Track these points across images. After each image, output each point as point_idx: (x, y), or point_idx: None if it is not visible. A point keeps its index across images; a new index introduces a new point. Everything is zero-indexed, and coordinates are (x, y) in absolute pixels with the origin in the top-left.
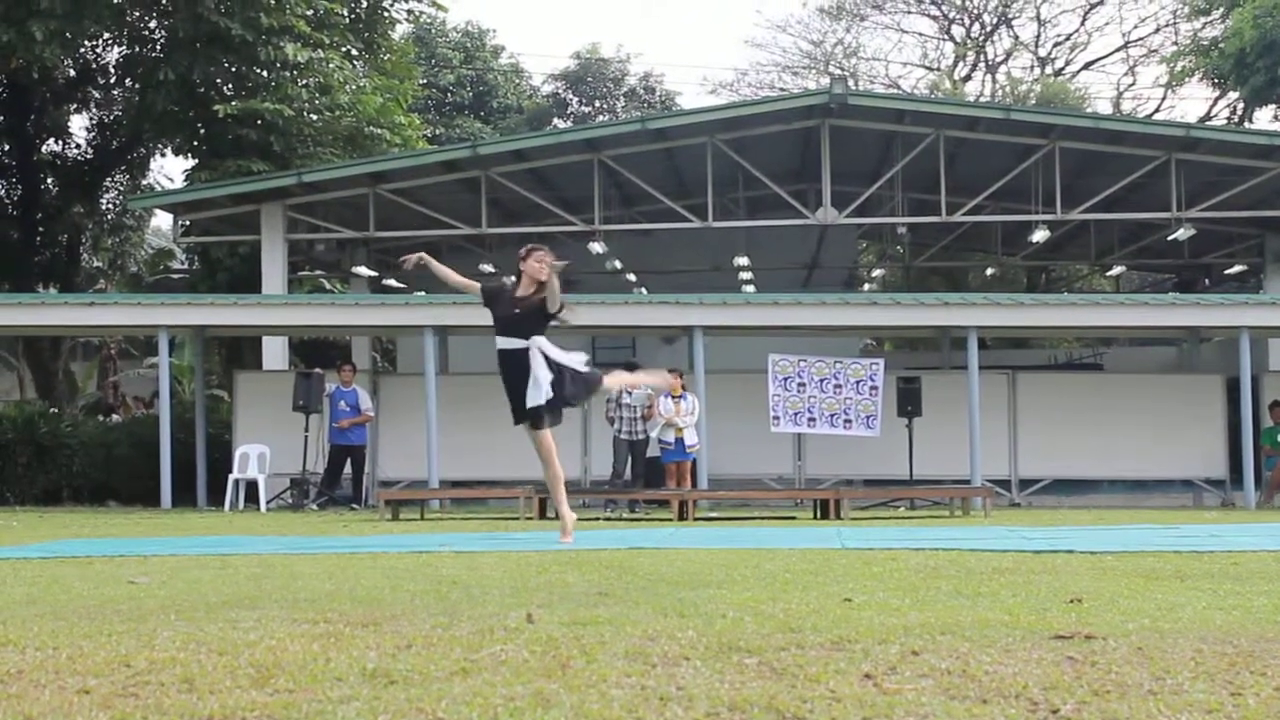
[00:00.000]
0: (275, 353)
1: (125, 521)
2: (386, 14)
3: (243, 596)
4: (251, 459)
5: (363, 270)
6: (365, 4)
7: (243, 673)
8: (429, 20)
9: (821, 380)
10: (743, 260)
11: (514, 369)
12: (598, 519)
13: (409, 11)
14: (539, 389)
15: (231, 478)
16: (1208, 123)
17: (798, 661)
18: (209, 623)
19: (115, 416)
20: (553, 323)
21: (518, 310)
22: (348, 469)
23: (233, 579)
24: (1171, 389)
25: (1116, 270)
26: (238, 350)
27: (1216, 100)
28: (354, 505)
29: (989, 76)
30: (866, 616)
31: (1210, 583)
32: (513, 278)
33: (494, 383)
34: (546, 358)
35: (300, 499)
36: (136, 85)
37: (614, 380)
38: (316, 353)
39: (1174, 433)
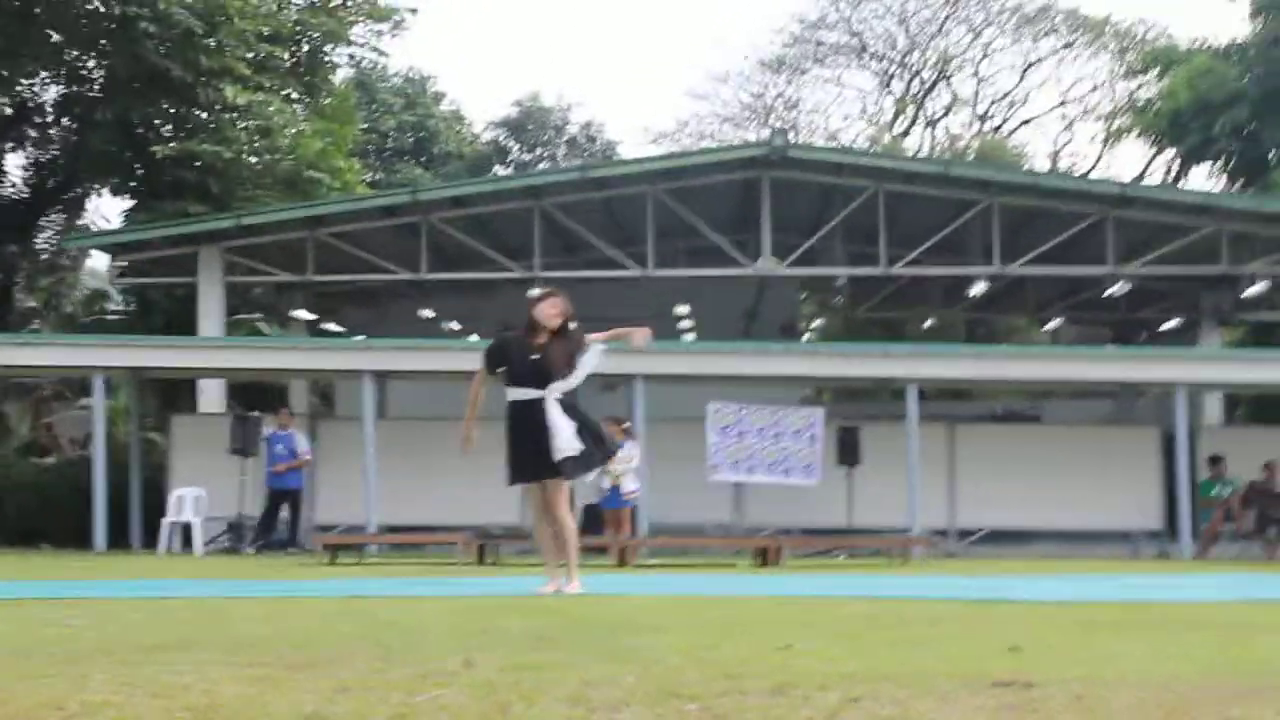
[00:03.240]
0: (212, 396)
1: (58, 564)
2: (328, 58)
3: (178, 639)
4: (187, 502)
5: (301, 314)
6: (306, 48)
7: (178, 716)
8: (370, 65)
9: (761, 429)
10: (683, 309)
11: (528, 421)
12: (537, 565)
13: (350, 56)
14: (561, 437)
15: (166, 520)
16: (1143, 181)
17: (738, 707)
18: (143, 665)
19: (50, 458)
20: (586, 371)
21: (535, 358)
22: (284, 513)
23: (168, 621)
24: (1108, 441)
25: (1054, 324)
26: (174, 393)
27: (1154, 158)
28: (290, 549)
29: (928, 130)
30: (806, 663)
31: (1149, 632)
32: (514, 330)
33: (432, 428)
34: (565, 408)
35: (236, 542)
36: (74, 124)
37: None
38: (254, 396)
39: (1111, 484)
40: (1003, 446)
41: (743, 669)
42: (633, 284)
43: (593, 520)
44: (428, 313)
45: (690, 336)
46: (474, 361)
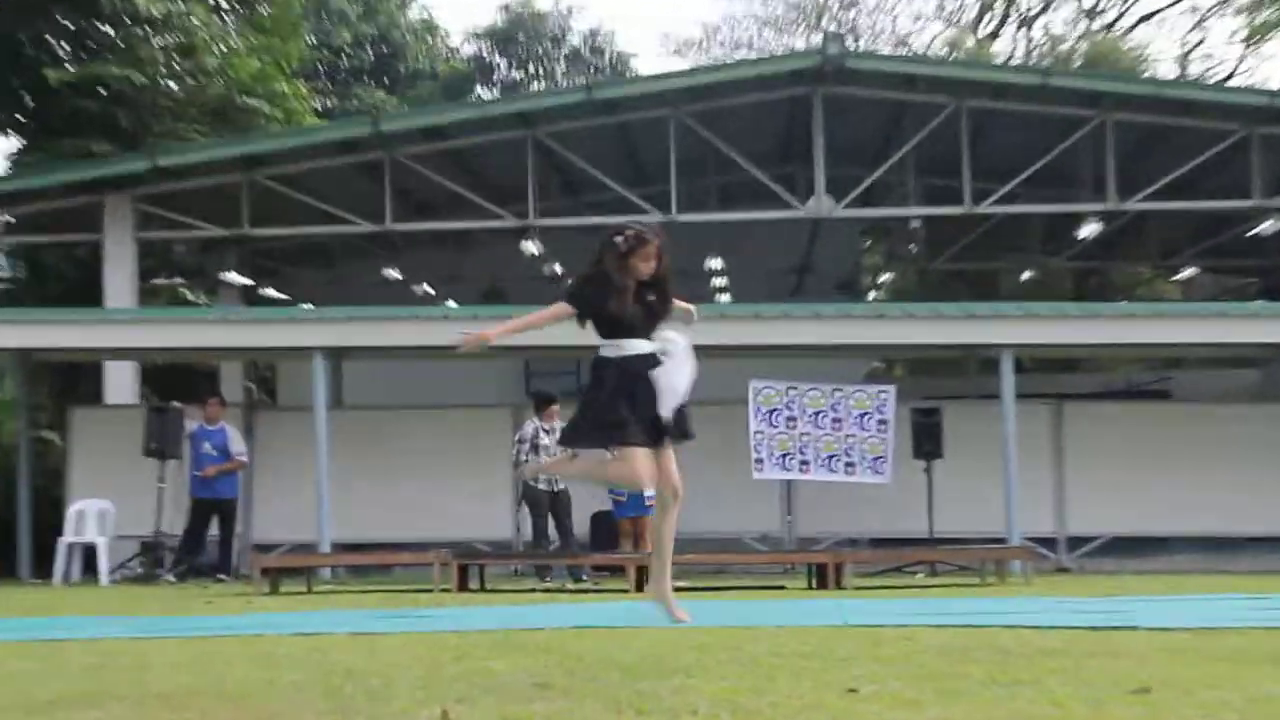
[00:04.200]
0: (121, 383)
1: None
2: None
3: (80, 693)
4: (90, 518)
5: (234, 277)
6: None
7: None
8: None
9: (817, 413)
10: (715, 263)
11: (639, 377)
12: (532, 590)
13: None
14: (675, 396)
15: (64, 541)
16: None
17: None
18: None
19: None
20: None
21: (649, 301)
22: (213, 529)
23: (66, 671)
24: (1259, 422)
25: (1186, 273)
26: (74, 380)
27: None
28: (221, 575)
29: (1022, 32)
30: (876, 712)
31: None
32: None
33: (401, 420)
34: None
35: (153, 568)
36: None
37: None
38: (175, 382)
39: (1266, 477)
40: (1124, 431)
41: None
42: None
43: (605, 532)
44: (394, 274)
45: (725, 297)
46: (448, 334)
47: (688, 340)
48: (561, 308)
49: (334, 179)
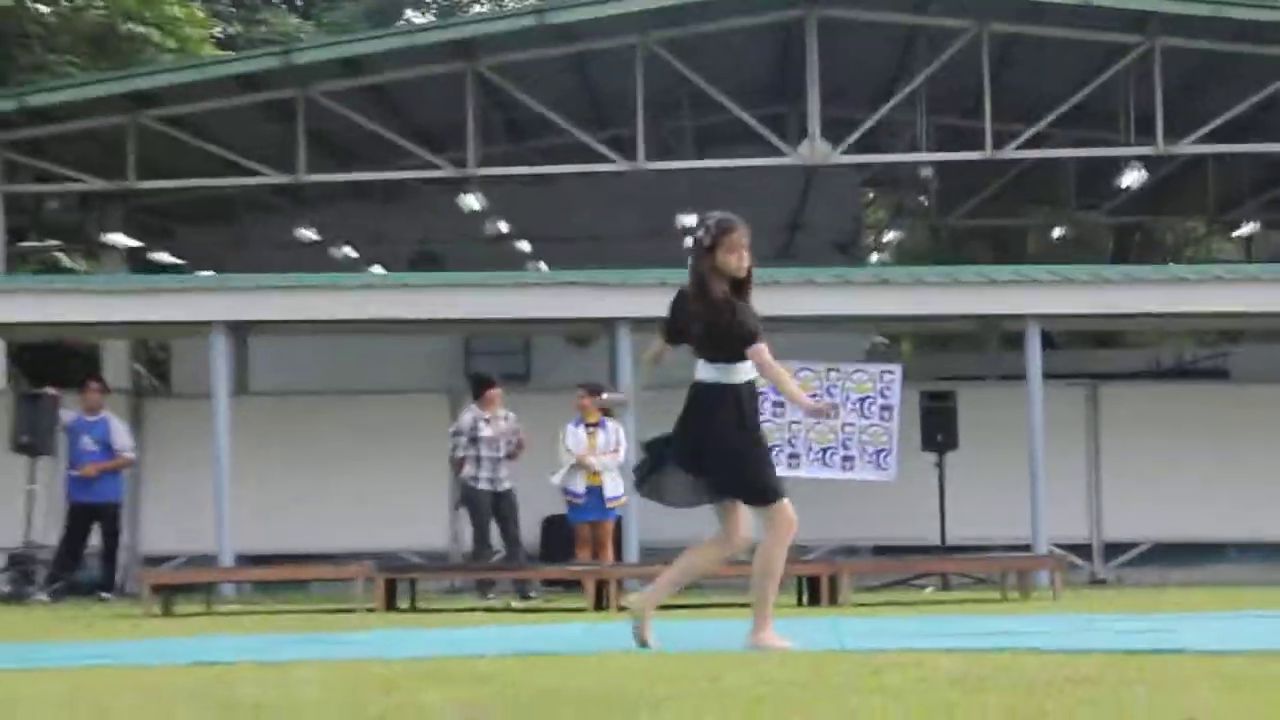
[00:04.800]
0: None
1: None
2: None
3: None
4: None
5: (119, 239)
6: None
7: None
8: None
9: (809, 398)
10: (690, 219)
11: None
12: (472, 610)
13: None
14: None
15: None
16: None
17: None
18: None
19: None
20: None
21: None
22: (94, 538)
23: None
24: None
25: (1247, 229)
26: None
27: None
28: (104, 594)
29: None
30: None
31: None
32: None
33: (319, 408)
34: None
35: (22, 584)
36: None
37: None
38: (48, 365)
39: None
40: (1171, 418)
41: None
42: (616, 184)
43: (558, 540)
44: (309, 234)
45: None
46: (380, 306)
47: None
48: (658, 339)
49: (238, 121)
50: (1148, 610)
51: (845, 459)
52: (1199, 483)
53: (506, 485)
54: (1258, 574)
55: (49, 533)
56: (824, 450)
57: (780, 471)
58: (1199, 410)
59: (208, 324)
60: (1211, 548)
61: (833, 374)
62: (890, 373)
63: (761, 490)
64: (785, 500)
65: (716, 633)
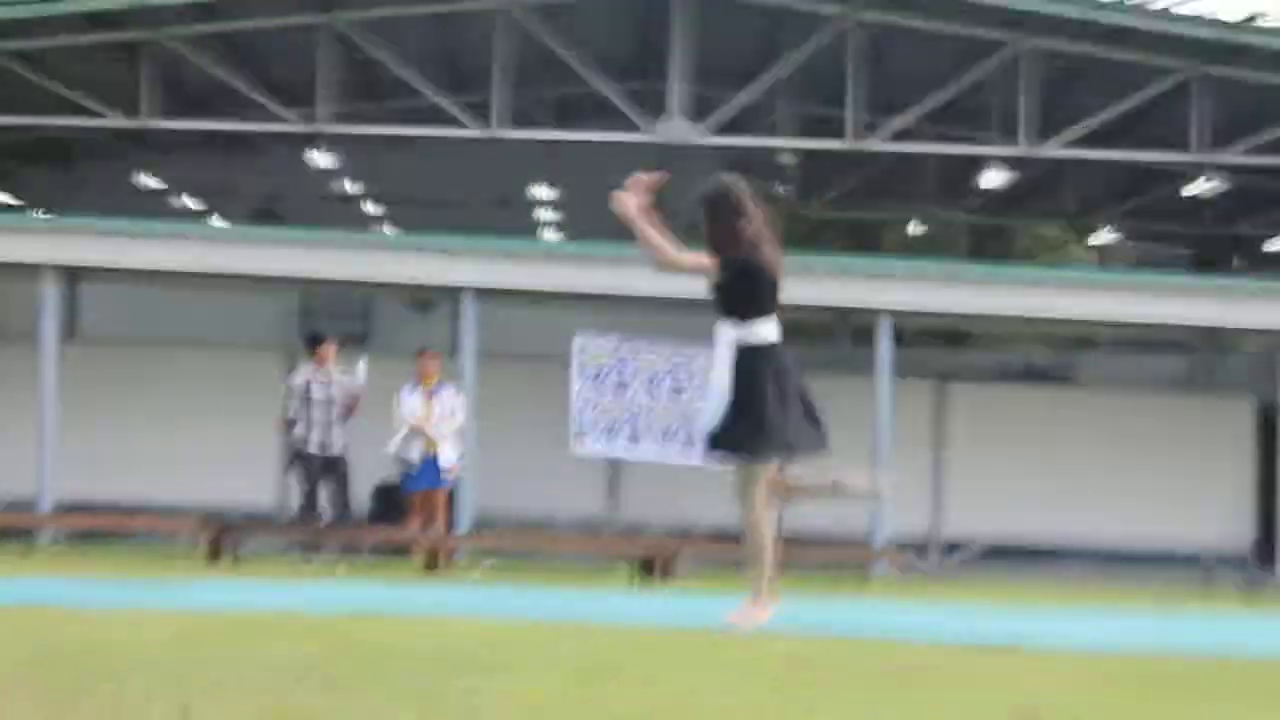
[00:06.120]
0: None
1: None
2: None
3: None
4: None
5: None
6: None
7: None
8: None
9: (652, 378)
10: (544, 191)
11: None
12: (301, 567)
13: None
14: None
15: None
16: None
17: None
18: None
19: None
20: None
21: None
22: None
23: None
24: (1178, 417)
25: (1104, 236)
26: None
27: None
28: None
29: None
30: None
31: (1231, 701)
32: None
33: (150, 358)
34: None
35: None
36: None
37: None
38: None
39: (1179, 481)
40: (1017, 419)
41: None
42: (471, 150)
43: (390, 506)
44: (152, 181)
45: (552, 234)
46: (223, 257)
47: None
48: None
49: (80, 60)
50: (984, 605)
51: (687, 441)
52: (1041, 484)
53: (337, 450)
54: (1097, 578)
55: None
56: (664, 432)
57: (618, 451)
58: (1045, 413)
59: (37, 266)
60: (1051, 551)
61: (678, 357)
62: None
63: None
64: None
65: (548, 604)
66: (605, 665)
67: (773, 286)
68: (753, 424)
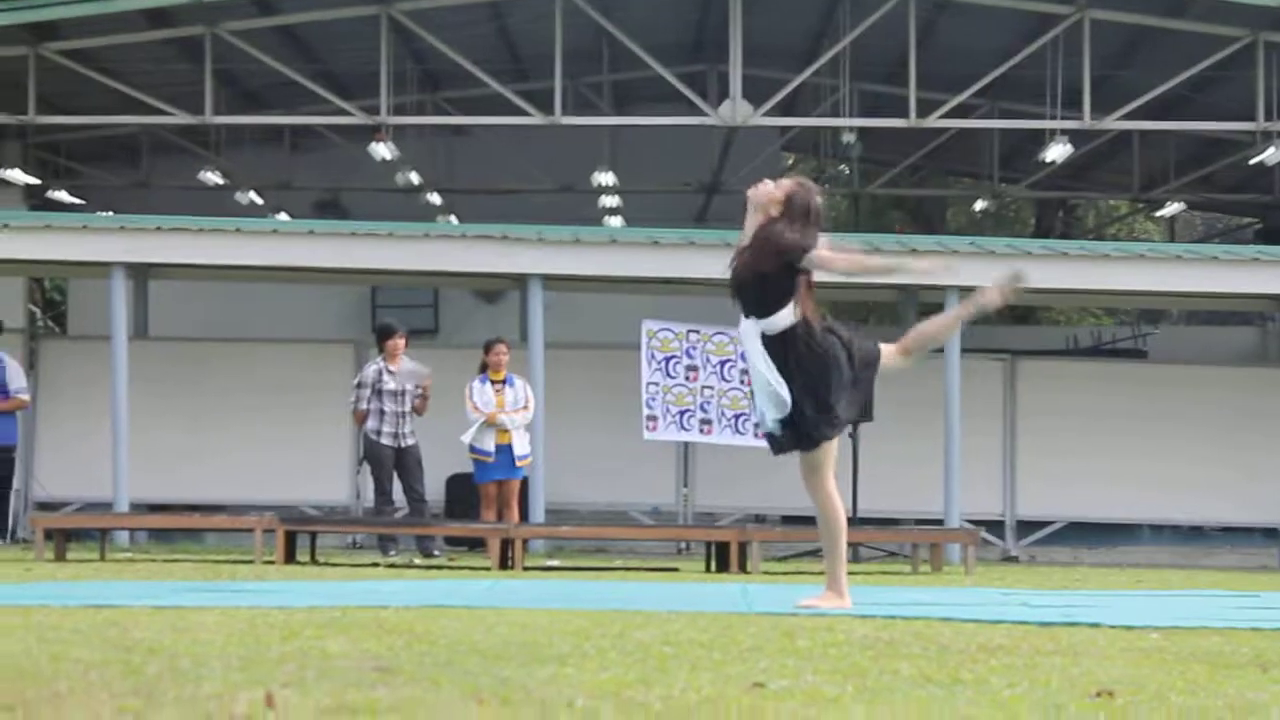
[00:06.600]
0: None
1: None
2: None
3: None
4: None
5: (16, 175)
6: None
7: None
8: None
9: (723, 363)
10: (606, 177)
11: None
12: (375, 564)
13: None
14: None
15: None
16: None
17: None
18: None
19: None
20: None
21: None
22: None
23: None
24: (1252, 389)
25: (1172, 208)
26: None
27: None
28: None
29: None
30: (788, 710)
31: None
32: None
33: (219, 355)
34: None
35: None
36: None
37: None
38: None
39: (1255, 455)
40: (1089, 396)
41: (692, 716)
42: (532, 138)
43: (463, 498)
44: (214, 177)
45: (616, 220)
46: (285, 253)
47: None
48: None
49: (144, 58)
50: (1061, 587)
51: (758, 427)
52: (1115, 461)
53: (410, 441)
54: (1173, 556)
55: None
56: (736, 416)
57: (690, 437)
58: (1117, 389)
59: (107, 265)
60: (1126, 528)
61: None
62: None
63: None
64: None
65: (622, 593)
66: (681, 653)
67: (760, 279)
68: (811, 415)
